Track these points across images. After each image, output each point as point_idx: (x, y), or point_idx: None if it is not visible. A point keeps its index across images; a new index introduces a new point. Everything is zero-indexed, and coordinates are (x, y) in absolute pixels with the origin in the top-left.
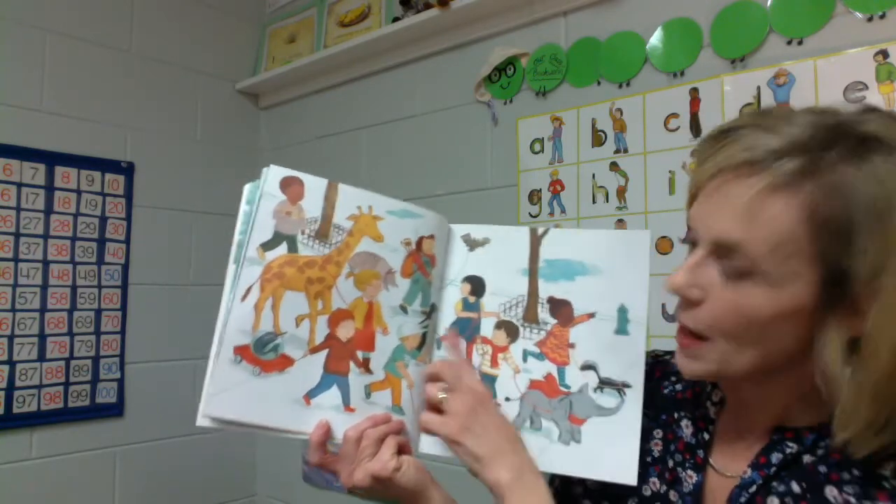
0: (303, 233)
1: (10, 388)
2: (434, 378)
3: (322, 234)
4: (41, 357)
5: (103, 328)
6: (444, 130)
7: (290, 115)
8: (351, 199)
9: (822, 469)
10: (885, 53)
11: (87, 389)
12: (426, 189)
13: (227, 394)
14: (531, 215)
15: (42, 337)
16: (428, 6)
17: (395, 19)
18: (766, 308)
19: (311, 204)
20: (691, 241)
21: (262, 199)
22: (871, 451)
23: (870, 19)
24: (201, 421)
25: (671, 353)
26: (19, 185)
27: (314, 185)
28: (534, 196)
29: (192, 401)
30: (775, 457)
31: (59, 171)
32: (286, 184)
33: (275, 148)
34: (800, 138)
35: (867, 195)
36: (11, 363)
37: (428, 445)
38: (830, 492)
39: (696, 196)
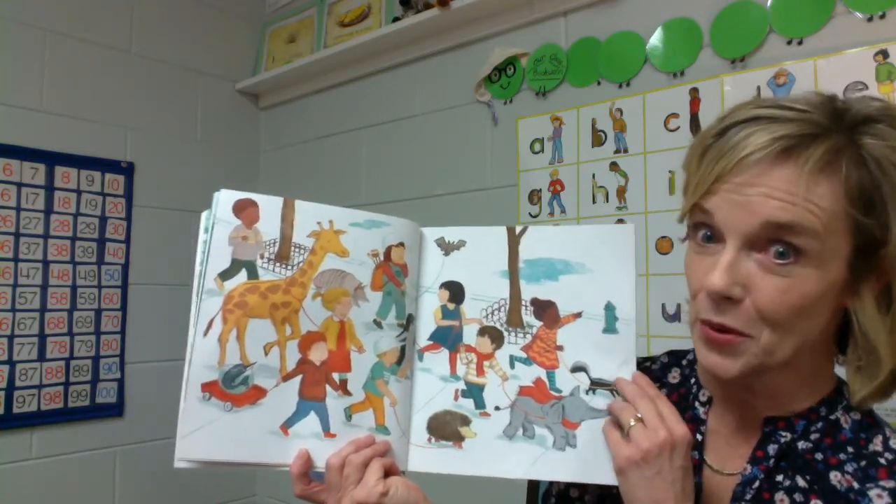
0: (262, 257)
1: (10, 388)
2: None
3: (282, 256)
4: (41, 357)
5: (103, 328)
6: (444, 130)
7: (290, 115)
8: (310, 215)
9: (819, 456)
10: (885, 53)
11: (87, 389)
12: (426, 189)
13: (200, 433)
14: (531, 215)
15: (42, 337)
16: (428, 6)
17: (395, 19)
18: (816, 289)
19: (268, 225)
20: (707, 233)
21: (216, 225)
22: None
23: (870, 19)
24: (178, 464)
25: (650, 359)
26: (19, 185)
27: (269, 205)
28: (534, 196)
29: None
30: (771, 448)
31: (59, 171)
32: (240, 207)
33: (275, 148)
34: (820, 121)
35: (891, 163)
36: (11, 363)
37: (417, 462)
38: (835, 477)
39: (712, 190)
